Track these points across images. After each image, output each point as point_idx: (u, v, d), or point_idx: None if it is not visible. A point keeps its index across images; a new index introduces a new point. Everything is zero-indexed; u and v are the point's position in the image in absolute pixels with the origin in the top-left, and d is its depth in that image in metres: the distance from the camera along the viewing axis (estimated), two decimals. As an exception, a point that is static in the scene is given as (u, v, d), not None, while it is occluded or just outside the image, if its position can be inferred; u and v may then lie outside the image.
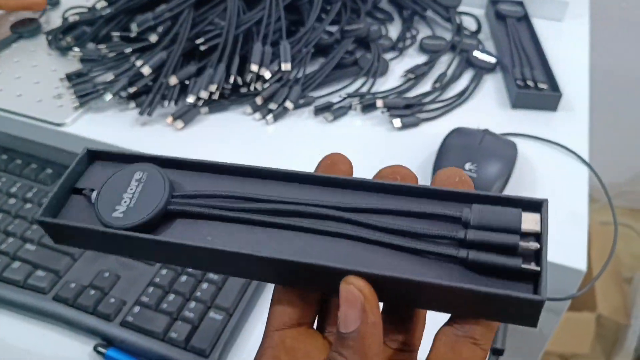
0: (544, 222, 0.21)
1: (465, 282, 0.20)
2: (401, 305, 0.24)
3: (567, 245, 0.46)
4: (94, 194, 0.25)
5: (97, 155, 0.27)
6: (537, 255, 0.20)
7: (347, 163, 0.26)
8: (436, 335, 0.22)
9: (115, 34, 0.65)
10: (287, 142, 0.58)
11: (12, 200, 0.57)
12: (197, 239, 0.23)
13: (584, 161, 0.55)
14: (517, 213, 0.21)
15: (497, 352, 0.43)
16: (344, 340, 0.21)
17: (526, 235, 0.21)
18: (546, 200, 0.21)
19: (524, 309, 0.20)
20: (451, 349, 0.21)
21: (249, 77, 0.59)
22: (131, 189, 0.24)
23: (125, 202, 0.24)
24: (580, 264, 0.45)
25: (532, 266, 0.20)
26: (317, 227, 0.22)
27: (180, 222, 0.24)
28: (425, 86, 0.65)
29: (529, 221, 0.21)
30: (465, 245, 0.21)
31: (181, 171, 0.26)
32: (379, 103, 0.60)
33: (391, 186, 0.23)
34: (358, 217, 0.22)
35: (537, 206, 0.21)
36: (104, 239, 0.24)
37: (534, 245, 0.20)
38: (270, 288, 0.50)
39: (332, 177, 0.24)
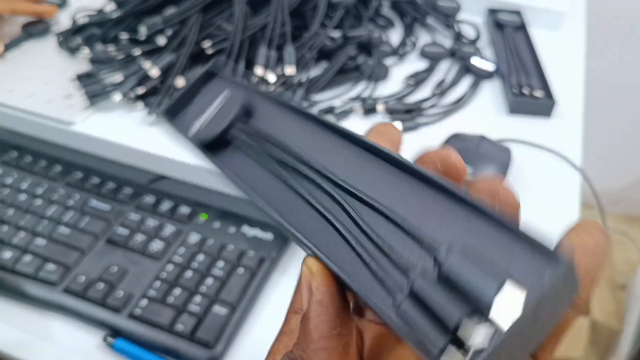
0: (527, 307, 0.15)
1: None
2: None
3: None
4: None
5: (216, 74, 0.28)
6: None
7: (396, 133, 0.25)
8: None
9: (124, 36, 0.67)
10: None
11: (22, 196, 0.59)
12: (231, 171, 0.24)
13: (575, 167, 0.56)
14: (493, 288, 0.16)
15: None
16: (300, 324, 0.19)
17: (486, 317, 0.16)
18: (568, 263, 0.16)
19: None
20: None
21: (254, 80, 0.61)
22: (214, 106, 0.26)
23: (205, 117, 0.25)
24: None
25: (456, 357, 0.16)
26: (310, 200, 0.22)
27: (232, 149, 0.25)
28: (424, 92, 0.67)
29: (501, 307, 0.15)
30: (411, 291, 0.18)
31: (276, 105, 0.26)
32: (380, 108, 0.62)
33: (420, 174, 0.21)
34: (354, 203, 0.21)
35: (550, 252, 0.16)
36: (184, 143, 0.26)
37: (478, 341, 0.15)
38: (271, 283, 0.52)
39: (371, 146, 0.23)
